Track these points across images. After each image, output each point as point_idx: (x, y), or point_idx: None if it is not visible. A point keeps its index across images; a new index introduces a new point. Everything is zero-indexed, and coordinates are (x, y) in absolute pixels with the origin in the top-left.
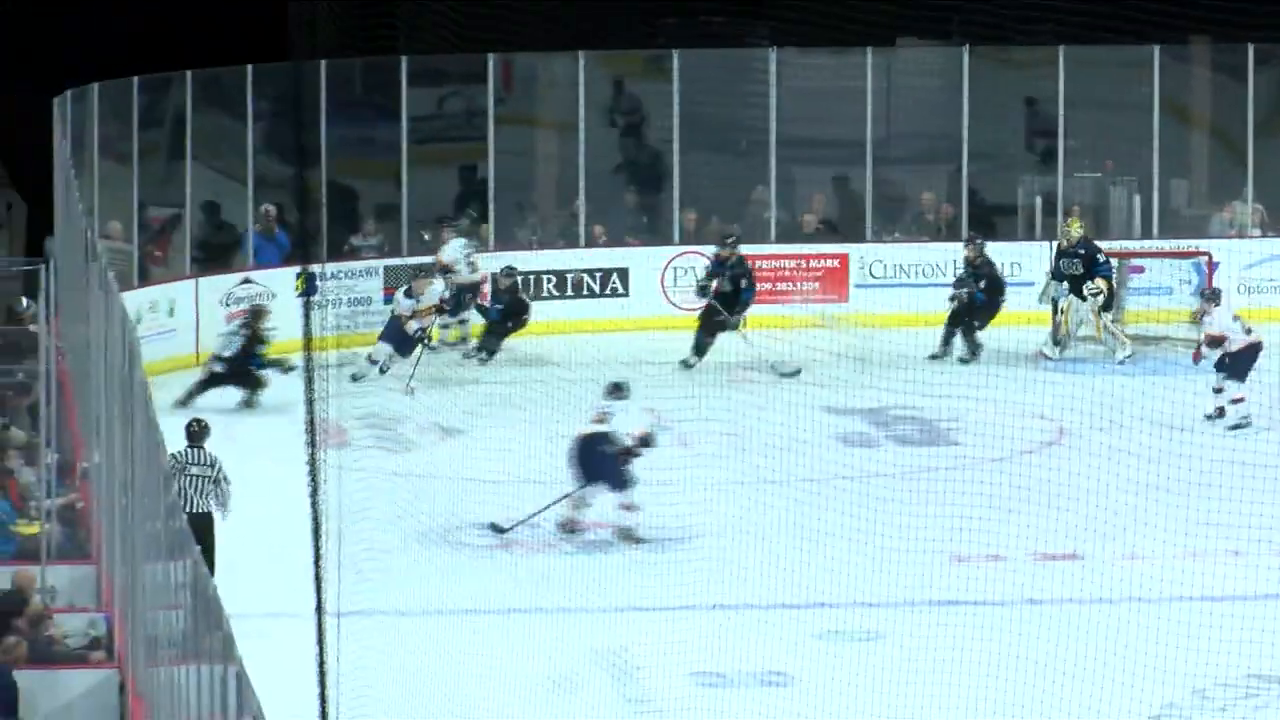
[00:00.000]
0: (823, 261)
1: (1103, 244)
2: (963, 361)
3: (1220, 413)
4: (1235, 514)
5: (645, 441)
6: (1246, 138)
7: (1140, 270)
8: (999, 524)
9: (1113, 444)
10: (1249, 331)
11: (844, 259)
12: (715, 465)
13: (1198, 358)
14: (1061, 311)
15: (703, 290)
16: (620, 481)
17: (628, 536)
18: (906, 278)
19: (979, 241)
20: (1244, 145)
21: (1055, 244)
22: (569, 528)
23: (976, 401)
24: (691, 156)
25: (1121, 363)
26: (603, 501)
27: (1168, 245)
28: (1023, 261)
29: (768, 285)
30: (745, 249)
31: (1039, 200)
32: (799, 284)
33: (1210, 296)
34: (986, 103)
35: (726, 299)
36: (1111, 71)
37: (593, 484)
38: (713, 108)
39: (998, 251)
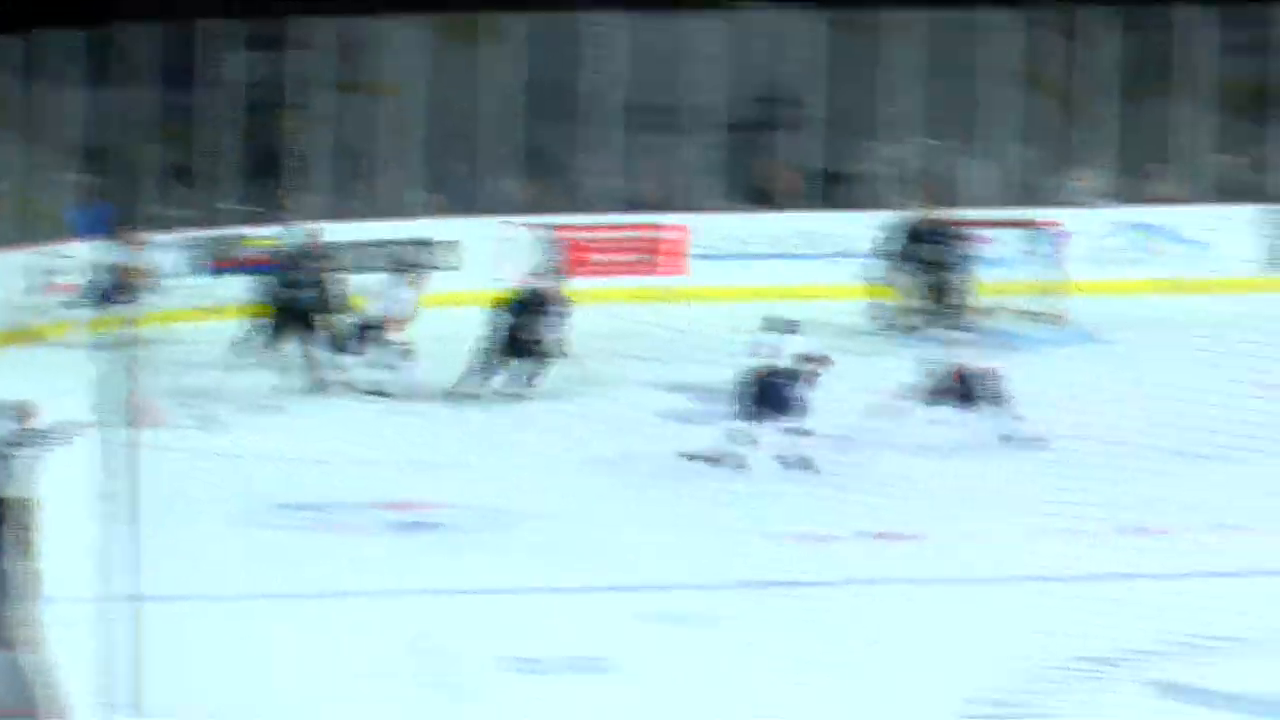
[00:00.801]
0: (662, 233)
1: (950, 213)
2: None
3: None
4: (1076, 492)
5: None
6: (1099, 104)
7: (988, 241)
8: (833, 503)
9: (949, 418)
10: None
11: (684, 230)
12: (540, 444)
13: None
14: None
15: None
16: (798, 409)
17: (807, 465)
18: (748, 249)
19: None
20: (1097, 112)
21: (907, 221)
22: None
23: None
24: (527, 124)
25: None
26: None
27: (1009, 216)
28: (858, 233)
29: (605, 257)
30: (581, 219)
31: (887, 169)
32: (630, 256)
33: None
34: (835, 68)
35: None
36: (962, 37)
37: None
38: (550, 73)
39: (841, 222)
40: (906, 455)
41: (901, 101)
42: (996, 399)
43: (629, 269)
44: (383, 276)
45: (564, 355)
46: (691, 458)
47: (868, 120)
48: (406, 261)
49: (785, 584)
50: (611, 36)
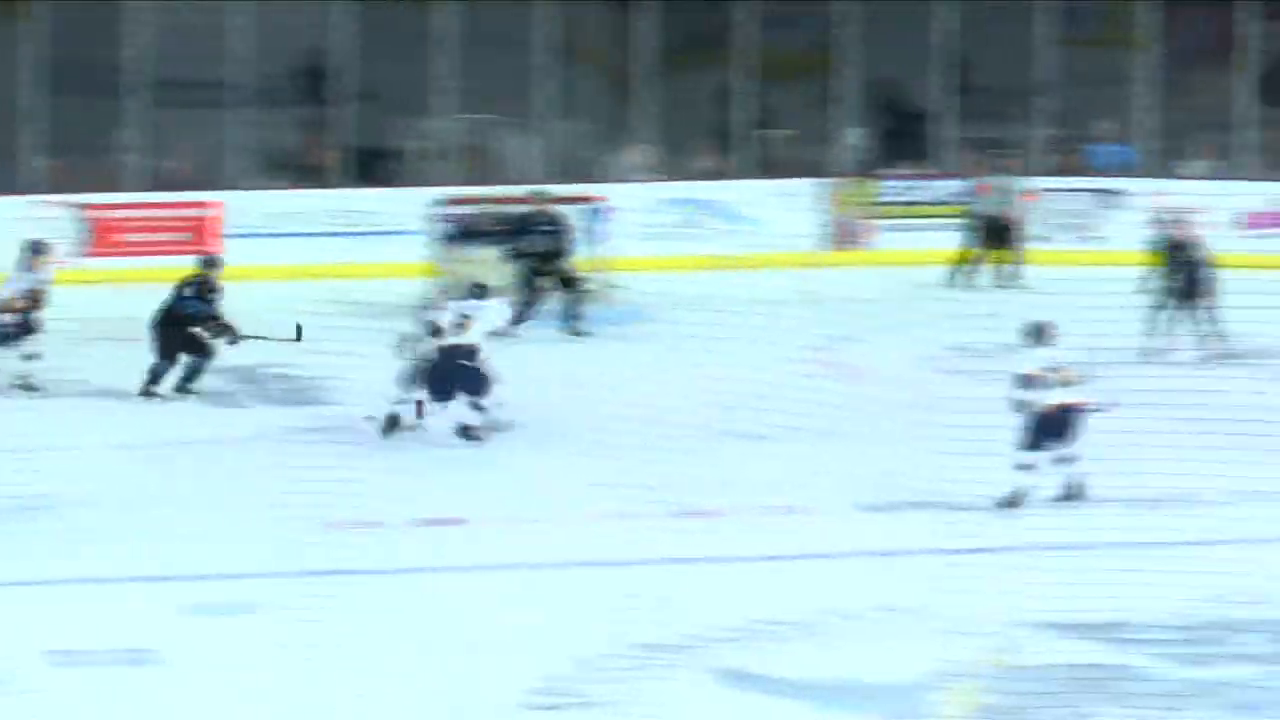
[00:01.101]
0: (194, 210)
1: (495, 189)
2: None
3: None
4: (625, 476)
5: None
6: (646, 78)
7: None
8: (377, 487)
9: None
10: None
11: (217, 207)
12: (72, 428)
13: None
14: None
15: None
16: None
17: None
18: (281, 227)
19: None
20: (641, 85)
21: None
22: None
23: (361, 359)
24: (50, 99)
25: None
26: None
27: (561, 190)
28: (403, 210)
29: (139, 236)
30: (109, 197)
31: (431, 145)
32: (167, 235)
33: None
34: (375, 42)
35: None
36: (507, 10)
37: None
38: (81, 50)
39: (377, 200)
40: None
41: (445, 75)
42: (476, 387)
43: (164, 248)
44: None
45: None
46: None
47: (411, 95)
48: None
49: (340, 572)
50: (142, 11)
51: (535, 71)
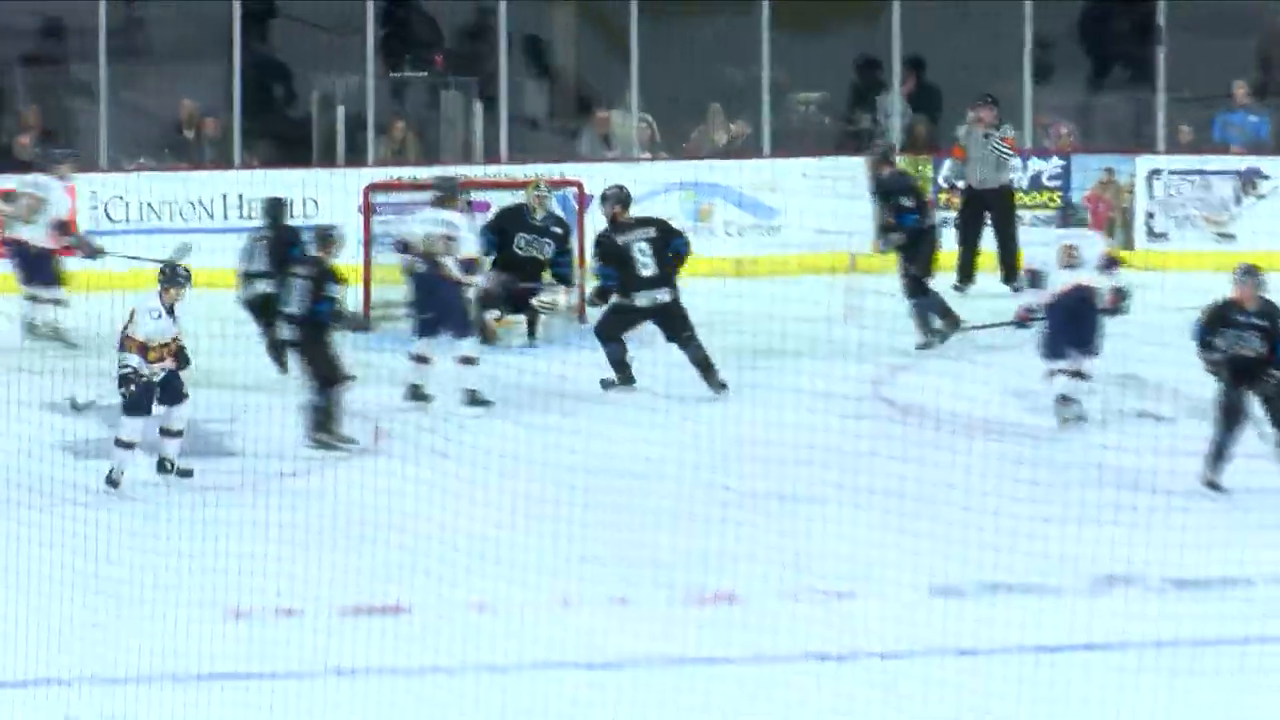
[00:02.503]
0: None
1: (435, 170)
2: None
3: None
4: (621, 545)
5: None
6: (629, 25)
7: (485, 208)
8: (292, 564)
9: (444, 445)
10: None
11: (69, 193)
12: None
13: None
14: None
15: None
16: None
17: None
18: (159, 220)
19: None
20: (625, 36)
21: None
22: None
23: (262, 396)
24: None
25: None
26: None
27: (520, 172)
28: (320, 198)
29: None
30: None
31: (343, 112)
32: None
33: None
34: None
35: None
36: None
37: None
38: None
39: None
40: None
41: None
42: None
43: None
44: None
45: None
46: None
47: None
48: None
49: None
50: None
51: (485, 14)
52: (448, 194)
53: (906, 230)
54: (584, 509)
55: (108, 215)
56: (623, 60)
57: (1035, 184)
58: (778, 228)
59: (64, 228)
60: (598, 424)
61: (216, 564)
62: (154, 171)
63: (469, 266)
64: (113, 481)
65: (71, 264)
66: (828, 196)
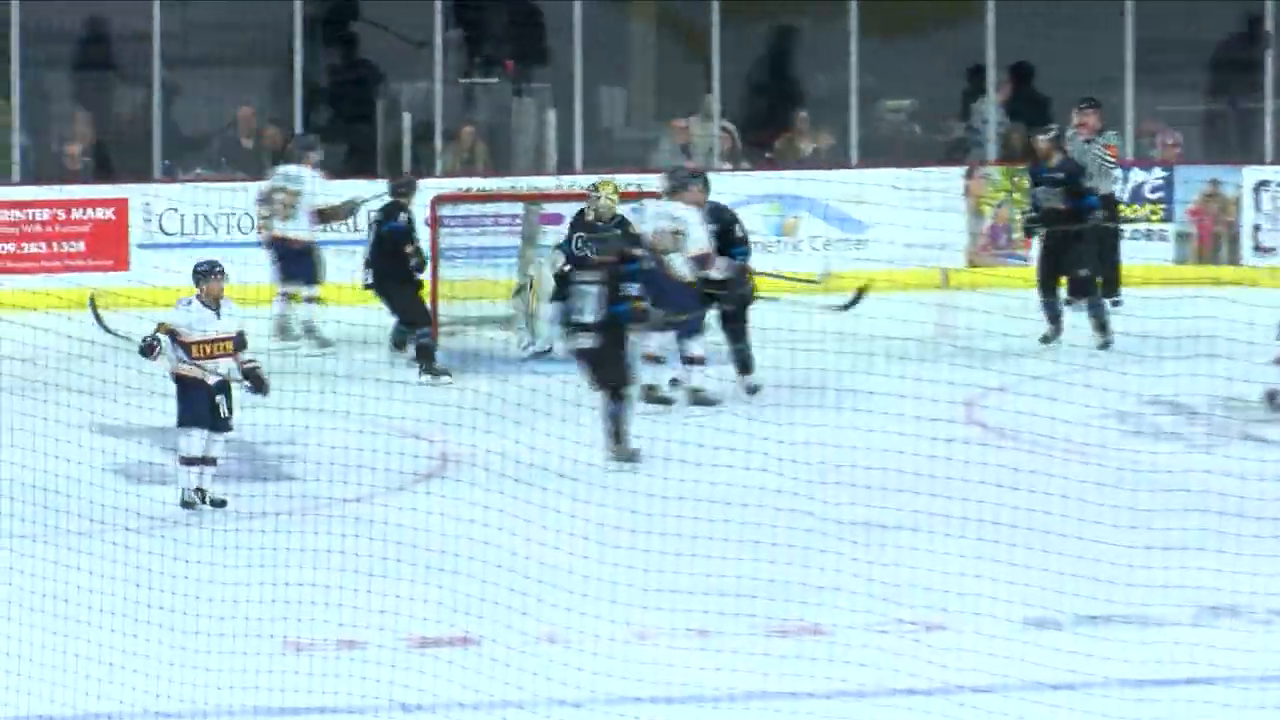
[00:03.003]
0: (90, 211)
1: (506, 182)
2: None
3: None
4: (700, 575)
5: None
6: (711, 27)
7: (557, 221)
8: (354, 594)
9: (514, 469)
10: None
11: (121, 207)
12: None
13: None
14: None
15: None
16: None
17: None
18: (215, 233)
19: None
20: (706, 40)
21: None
22: None
23: (320, 415)
24: None
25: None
26: None
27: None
28: None
29: (10, 247)
30: None
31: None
32: (56, 244)
33: None
34: None
35: None
36: None
37: None
38: None
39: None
40: None
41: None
42: None
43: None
44: None
45: None
46: None
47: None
48: None
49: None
50: None
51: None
52: (679, 184)
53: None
54: (661, 536)
55: (161, 228)
56: (703, 65)
57: (1136, 196)
58: (865, 241)
59: (323, 215)
60: (674, 446)
61: (275, 594)
62: (211, 182)
63: (700, 262)
64: (188, 503)
65: None
66: (918, 209)
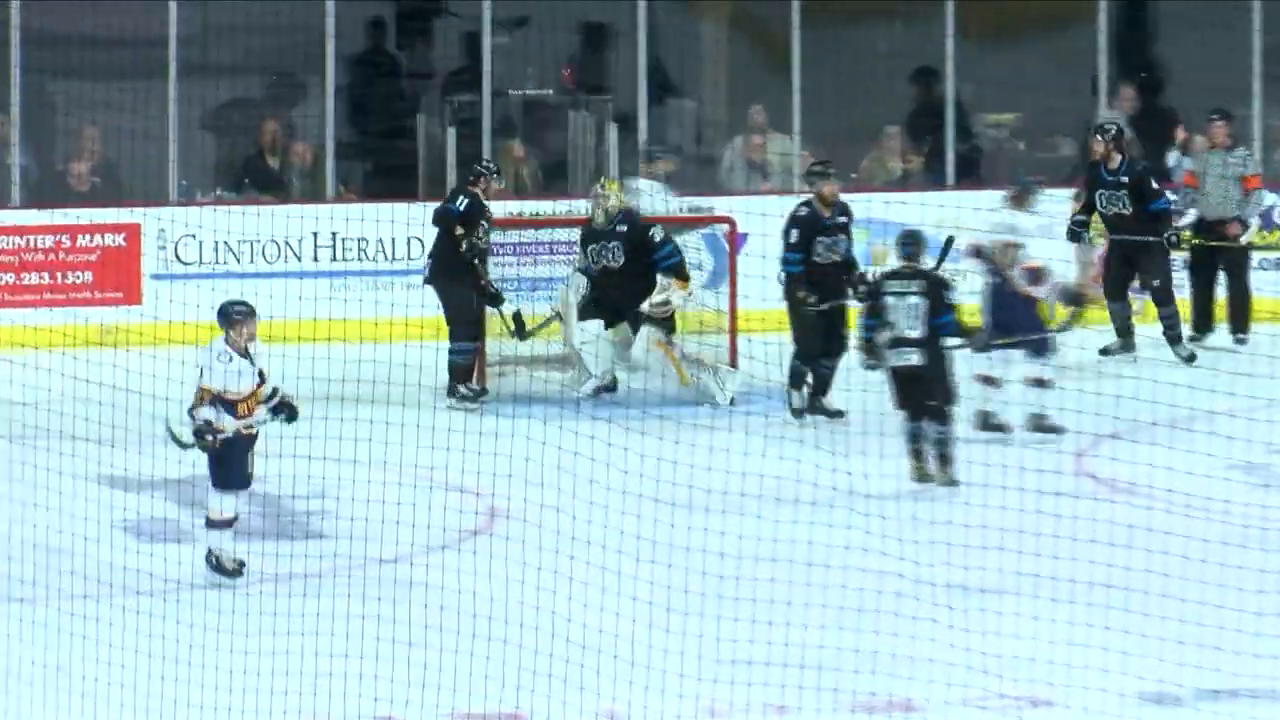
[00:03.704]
0: (98, 237)
1: (560, 205)
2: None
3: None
4: (778, 645)
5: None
6: (790, 33)
7: None
8: (391, 665)
9: (569, 526)
10: None
11: (132, 233)
12: None
13: None
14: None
15: None
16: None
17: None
18: (237, 263)
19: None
20: (785, 46)
21: (591, 215)
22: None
23: (354, 466)
24: None
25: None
26: None
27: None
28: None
29: (9, 278)
30: None
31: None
32: (60, 275)
33: None
34: None
35: None
36: None
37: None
38: None
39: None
40: None
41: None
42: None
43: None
44: None
45: None
46: None
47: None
48: None
49: None
50: None
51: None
52: (1021, 192)
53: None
54: (734, 603)
55: (178, 257)
56: (782, 74)
57: (1267, 222)
58: (964, 272)
59: None
60: (749, 502)
61: (303, 665)
62: (232, 205)
63: (1034, 276)
64: (224, 569)
65: None
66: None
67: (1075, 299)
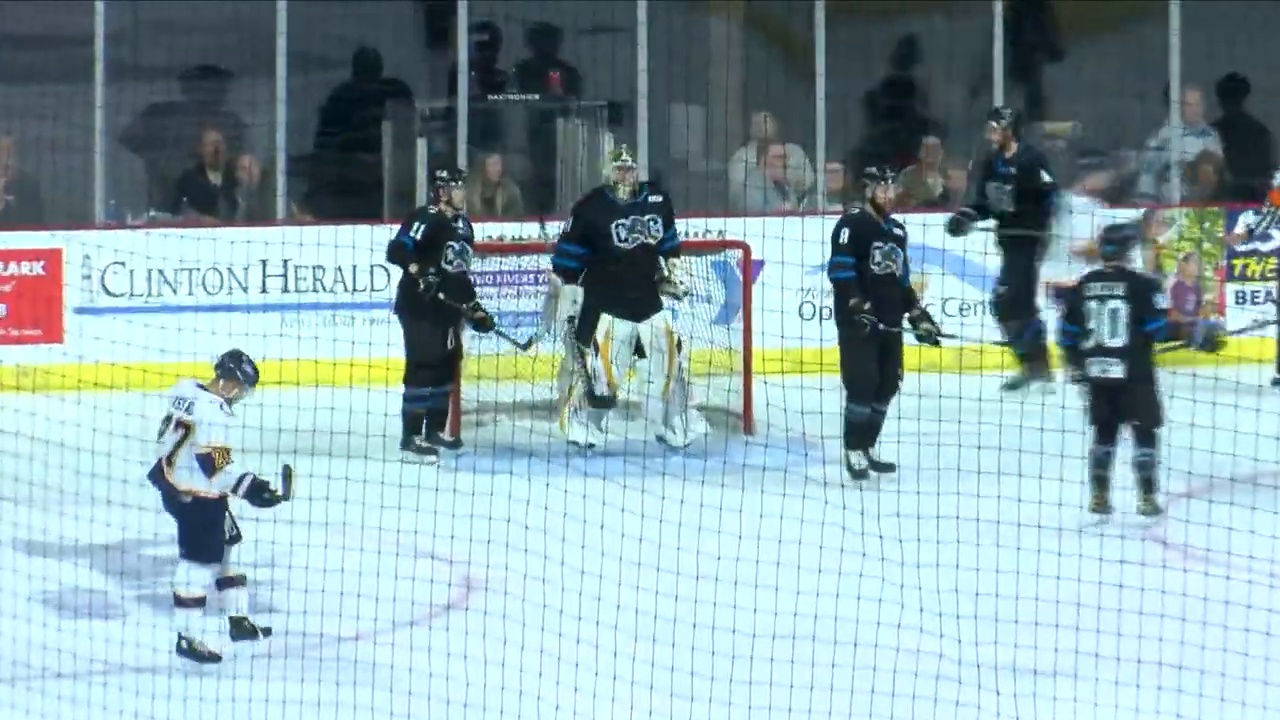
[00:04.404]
0: (13, 265)
1: (549, 227)
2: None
3: None
4: None
5: None
6: (814, 32)
7: None
8: None
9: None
10: None
11: (53, 260)
12: None
13: None
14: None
15: None
16: None
17: None
18: (174, 294)
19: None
20: (807, 47)
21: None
22: None
23: (308, 529)
24: None
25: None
26: None
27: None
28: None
29: None
30: None
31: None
32: None
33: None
34: None
35: None
36: None
37: None
38: None
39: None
40: None
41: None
42: None
43: None
44: None
45: None
46: None
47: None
48: None
49: None
50: None
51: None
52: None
53: None
54: (747, 687)
55: (105, 287)
56: (804, 79)
57: None
58: None
59: None
60: (764, 570)
61: None
62: (168, 229)
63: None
64: (198, 655)
65: None
66: None
67: (1215, 344)
